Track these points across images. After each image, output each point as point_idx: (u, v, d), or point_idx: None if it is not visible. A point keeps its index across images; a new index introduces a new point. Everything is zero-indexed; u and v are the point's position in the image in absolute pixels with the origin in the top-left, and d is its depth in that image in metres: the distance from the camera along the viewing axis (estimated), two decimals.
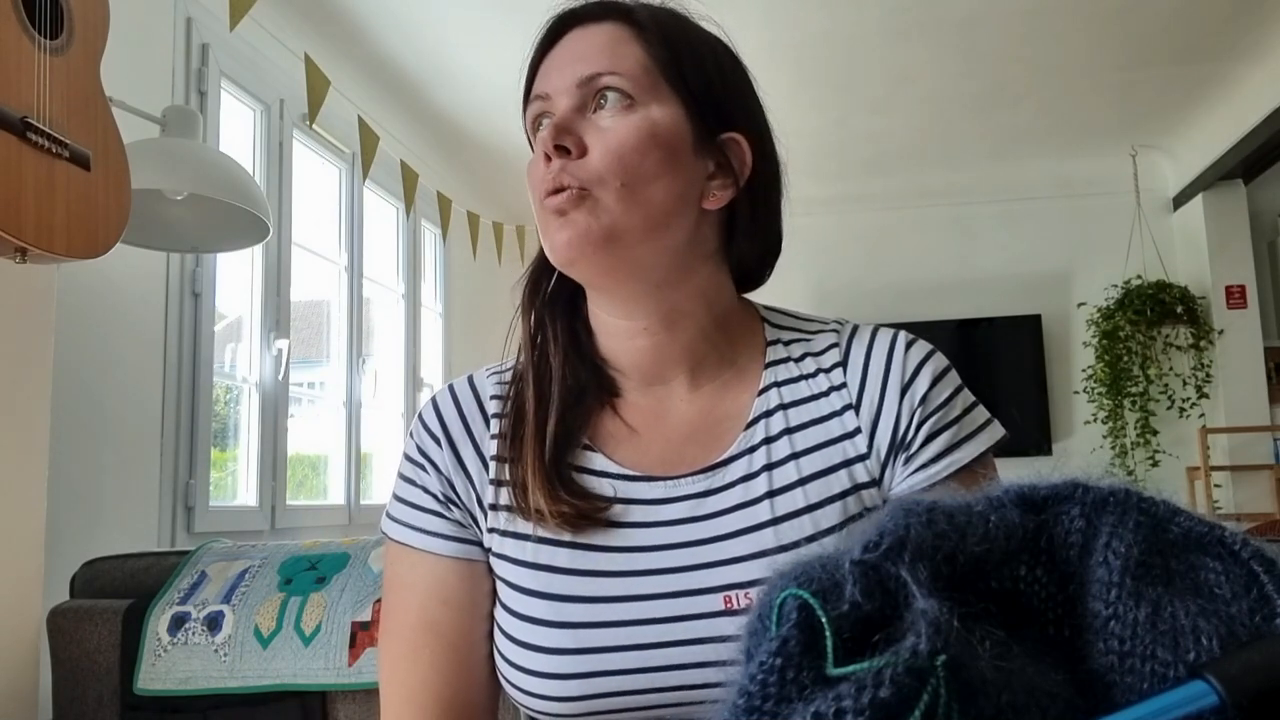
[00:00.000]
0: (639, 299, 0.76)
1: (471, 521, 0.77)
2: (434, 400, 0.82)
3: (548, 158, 0.72)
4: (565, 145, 0.72)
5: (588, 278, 0.75)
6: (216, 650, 1.28)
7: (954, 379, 0.77)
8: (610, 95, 0.73)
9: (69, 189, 1.22)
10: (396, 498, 0.80)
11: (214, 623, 1.30)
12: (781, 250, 0.84)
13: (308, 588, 1.31)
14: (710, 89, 0.77)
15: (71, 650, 1.35)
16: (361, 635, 1.25)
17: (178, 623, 1.31)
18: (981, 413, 0.77)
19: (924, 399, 0.75)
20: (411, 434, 0.81)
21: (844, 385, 0.76)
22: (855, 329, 0.80)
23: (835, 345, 0.79)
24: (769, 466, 0.74)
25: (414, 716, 0.75)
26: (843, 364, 0.77)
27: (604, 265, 0.72)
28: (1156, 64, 4.08)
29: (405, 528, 0.78)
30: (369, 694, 1.25)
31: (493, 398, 0.80)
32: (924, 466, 0.74)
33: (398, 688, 0.76)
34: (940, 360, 0.78)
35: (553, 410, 0.77)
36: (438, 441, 0.79)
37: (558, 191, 0.71)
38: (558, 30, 0.78)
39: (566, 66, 0.75)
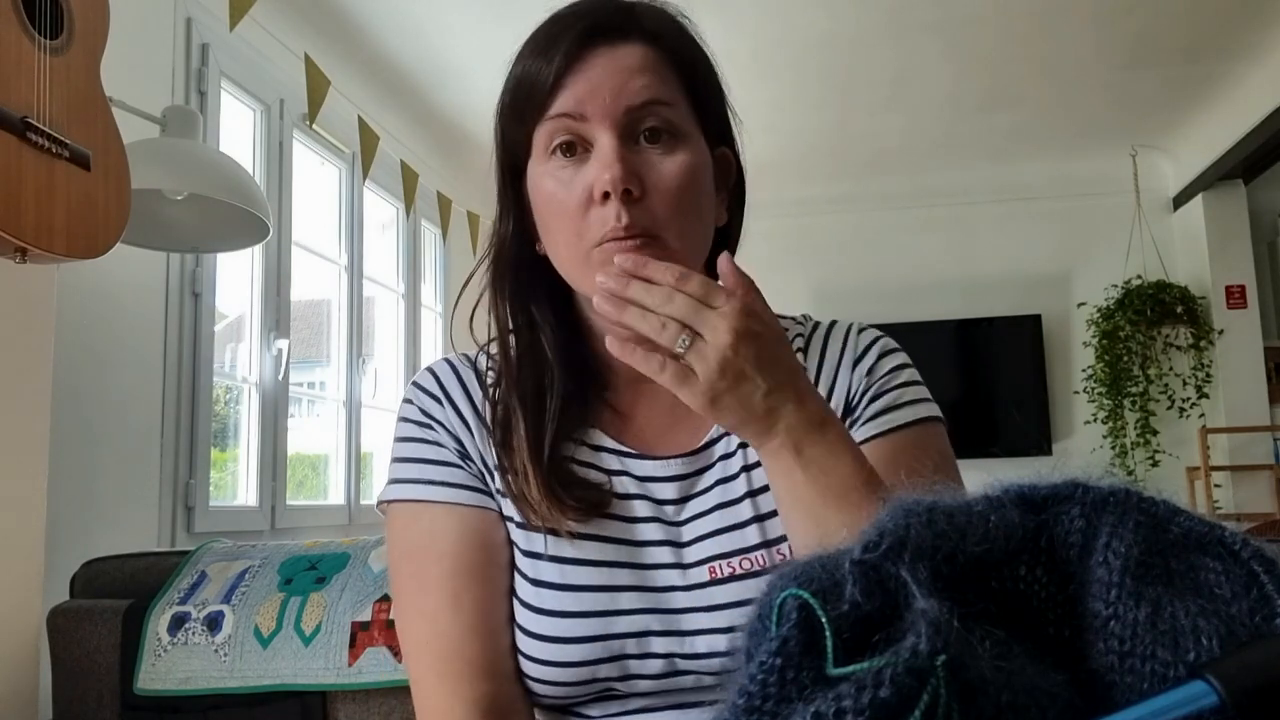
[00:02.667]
0: None
1: (486, 477, 0.78)
2: (429, 369, 0.83)
3: (604, 198, 0.70)
4: (631, 188, 0.70)
5: None
6: (216, 650, 1.28)
7: (901, 357, 0.82)
8: (655, 130, 0.72)
9: (69, 189, 1.22)
10: (405, 460, 0.79)
11: (214, 623, 1.30)
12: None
13: (308, 588, 1.31)
14: (716, 111, 0.79)
15: (71, 650, 1.35)
16: (361, 635, 1.25)
17: (178, 623, 1.31)
18: (924, 391, 0.81)
19: (870, 370, 0.80)
20: (410, 400, 0.81)
21: (805, 368, 0.80)
22: (816, 324, 0.86)
23: (800, 335, 0.84)
24: (744, 444, 0.78)
25: (462, 670, 0.73)
26: (804, 350, 0.82)
27: None
28: (1157, 64, 4.08)
29: (423, 485, 0.77)
30: (369, 694, 1.25)
31: (489, 369, 0.82)
32: (866, 422, 0.78)
33: (440, 642, 0.74)
34: (890, 342, 0.83)
35: (551, 418, 0.77)
36: (439, 401, 0.80)
37: (626, 238, 0.69)
38: (582, 42, 0.73)
39: (605, 88, 0.71)
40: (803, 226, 5.45)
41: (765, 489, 0.76)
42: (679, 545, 0.76)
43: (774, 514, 0.75)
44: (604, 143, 0.70)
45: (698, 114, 0.76)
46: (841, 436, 0.65)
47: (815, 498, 0.64)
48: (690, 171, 0.72)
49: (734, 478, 0.78)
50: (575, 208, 0.71)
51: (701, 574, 0.74)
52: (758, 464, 0.77)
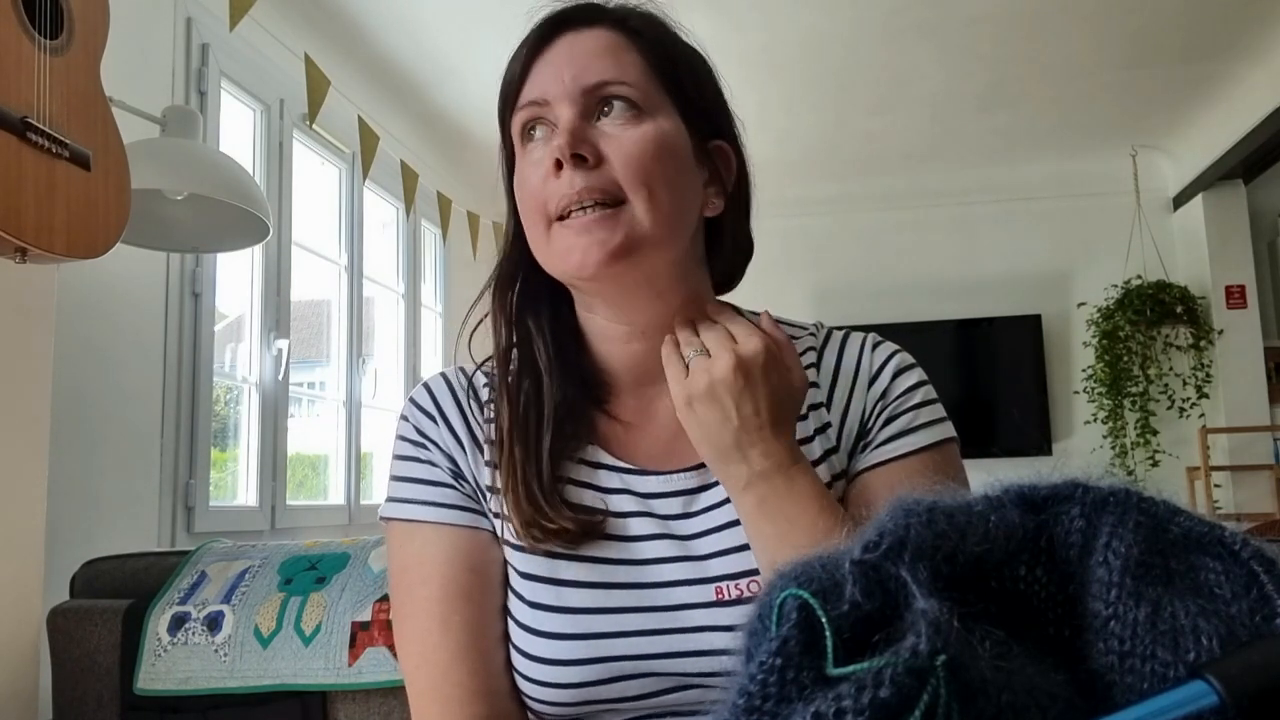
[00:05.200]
0: (641, 306, 0.76)
1: (479, 496, 0.78)
2: (425, 384, 0.82)
3: (557, 167, 0.70)
4: (583, 154, 0.70)
5: (601, 289, 0.75)
6: (216, 650, 1.28)
7: (916, 374, 0.80)
8: (617, 104, 0.72)
9: (69, 189, 1.22)
10: (400, 479, 0.79)
11: (214, 623, 1.30)
12: (753, 254, 0.86)
13: (308, 588, 1.31)
14: (701, 98, 0.78)
15: (71, 650, 1.35)
16: (361, 635, 1.25)
17: (178, 623, 1.31)
18: (940, 410, 0.80)
19: (885, 391, 0.78)
20: (406, 417, 0.81)
21: (816, 384, 0.79)
22: (830, 332, 0.84)
23: (811, 348, 0.82)
24: None
25: (452, 693, 0.73)
26: (816, 365, 0.80)
27: (623, 276, 0.72)
28: (1157, 63, 4.08)
29: (416, 505, 0.78)
30: (369, 694, 1.25)
31: (485, 385, 0.81)
32: (879, 446, 0.77)
33: (430, 667, 0.74)
34: (905, 358, 0.81)
35: (546, 428, 0.76)
36: (434, 420, 0.80)
37: (581, 206, 0.70)
38: (548, 34, 0.75)
39: (565, 72, 0.73)
40: (802, 226, 5.45)
41: None
42: (695, 560, 0.74)
43: None
44: (562, 118, 0.72)
45: (673, 97, 0.75)
46: (808, 485, 0.68)
47: (780, 545, 0.66)
48: (654, 141, 0.72)
49: None
50: (539, 183, 0.72)
51: (707, 593, 0.72)
52: None
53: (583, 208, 0.70)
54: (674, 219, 0.73)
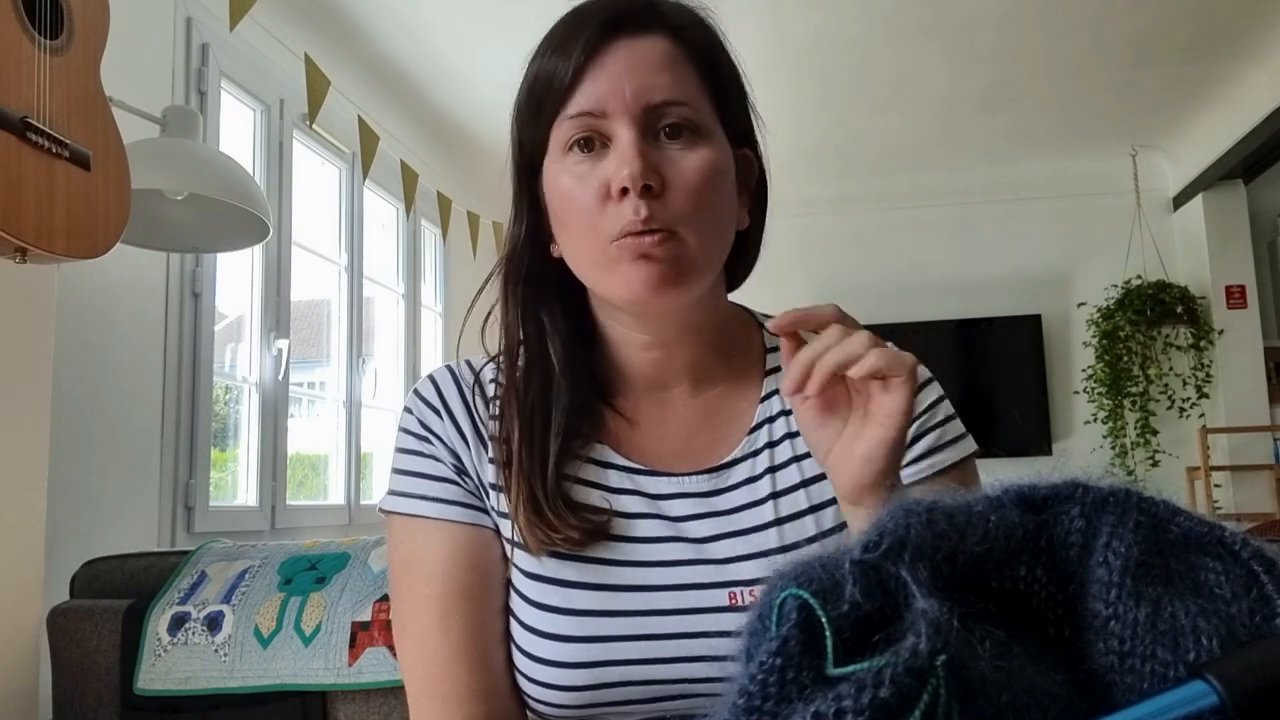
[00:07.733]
0: (669, 319, 0.76)
1: (481, 493, 0.77)
2: (430, 377, 0.81)
3: (623, 194, 0.68)
4: (651, 184, 0.68)
5: (649, 313, 0.74)
6: (216, 650, 1.28)
7: (937, 389, 0.80)
8: (677, 127, 0.70)
9: (69, 189, 1.22)
10: (402, 472, 0.78)
11: (214, 623, 1.30)
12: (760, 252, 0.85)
13: (308, 588, 1.31)
14: (739, 113, 0.77)
15: (71, 650, 1.35)
16: (361, 635, 1.25)
17: (178, 623, 1.31)
18: (960, 425, 0.79)
19: None
20: (410, 409, 0.80)
21: None
22: None
23: None
24: (772, 469, 0.76)
25: (451, 691, 0.73)
26: None
27: (675, 302, 0.71)
28: (1157, 63, 4.08)
29: (417, 500, 0.77)
30: (369, 694, 1.25)
31: (491, 381, 0.80)
32: (908, 465, 0.75)
33: (429, 665, 0.73)
34: (923, 370, 0.80)
35: (555, 434, 0.75)
36: (438, 414, 0.78)
37: (645, 233, 0.68)
38: (603, 37, 0.71)
39: (625, 85, 0.70)
40: (803, 226, 5.45)
41: (791, 518, 0.74)
42: (710, 563, 0.73)
43: (800, 544, 0.73)
44: (623, 138, 0.69)
45: (719, 111, 0.74)
46: None
47: None
48: (712, 168, 0.70)
49: (760, 503, 0.75)
50: (592, 203, 0.70)
51: (719, 598, 0.71)
52: (785, 491, 0.75)
53: (642, 234, 0.68)
54: (720, 246, 0.73)
